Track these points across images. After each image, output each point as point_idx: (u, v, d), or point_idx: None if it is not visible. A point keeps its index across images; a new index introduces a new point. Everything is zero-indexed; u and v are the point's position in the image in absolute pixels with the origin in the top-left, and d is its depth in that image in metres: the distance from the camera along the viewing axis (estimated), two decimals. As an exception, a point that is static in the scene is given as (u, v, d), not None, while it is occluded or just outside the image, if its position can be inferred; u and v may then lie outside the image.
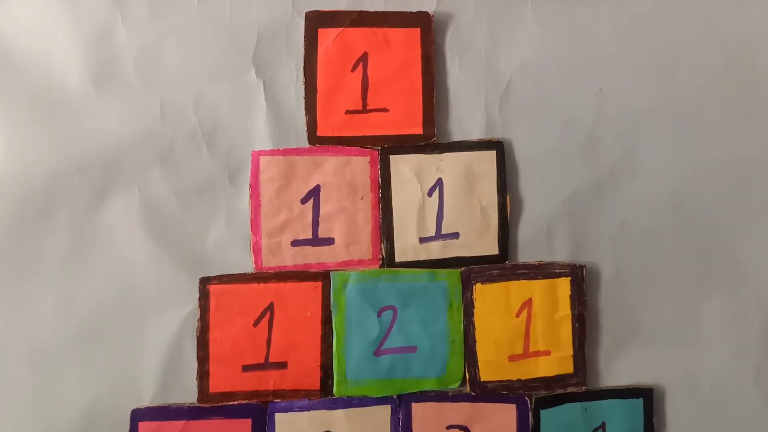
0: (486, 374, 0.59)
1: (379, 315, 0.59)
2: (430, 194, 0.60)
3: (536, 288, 0.59)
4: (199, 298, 0.58)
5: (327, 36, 0.60)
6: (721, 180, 0.61)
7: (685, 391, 0.59)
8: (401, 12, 0.60)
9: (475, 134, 0.60)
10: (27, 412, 0.57)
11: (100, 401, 0.57)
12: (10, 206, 0.58)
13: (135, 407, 0.57)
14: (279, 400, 0.58)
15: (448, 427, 0.59)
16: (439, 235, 0.59)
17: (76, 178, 0.58)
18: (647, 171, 0.61)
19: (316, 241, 0.59)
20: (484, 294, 0.59)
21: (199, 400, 0.58)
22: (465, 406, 0.59)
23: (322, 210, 0.59)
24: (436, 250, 0.59)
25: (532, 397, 0.59)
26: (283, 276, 0.59)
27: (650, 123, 0.61)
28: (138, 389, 0.58)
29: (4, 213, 0.58)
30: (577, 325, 0.59)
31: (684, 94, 0.61)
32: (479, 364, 0.59)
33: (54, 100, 0.58)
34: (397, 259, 0.59)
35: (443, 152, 0.60)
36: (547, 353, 0.59)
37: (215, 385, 0.58)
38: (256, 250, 0.59)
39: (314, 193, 0.60)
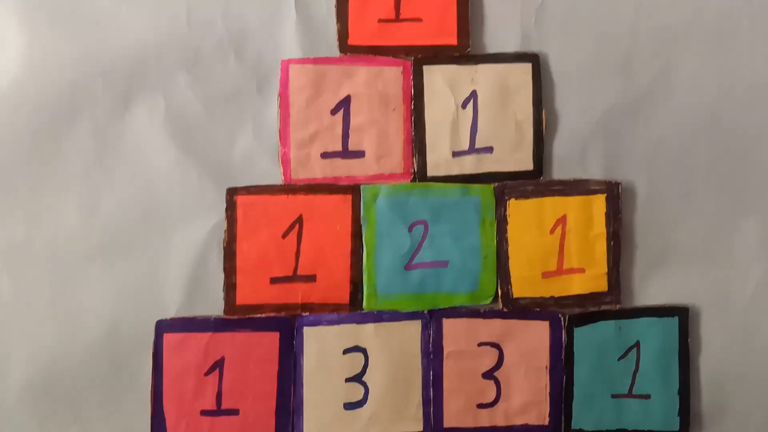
0: (519, 291, 0.58)
1: (410, 229, 0.58)
2: (464, 106, 0.58)
3: (571, 205, 0.58)
4: (226, 209, 0.56)
5: (360, -58, 0.58)
6: (758, 98, 0.59)
7: (718, 311, 0.58)
8: None
9: (510, 47, 0.59)
10: (48, 321, 0.56)
11: (124, 312, 0.56)
12: (33, 111, 0.56)
13: (159, 318, 0.56)
14: (307, 314, 0.57)
15: (479, 344, 0.58)
16: (472, 149, 0.58)
17: (100, 84, 0.56)
18: (683, 88, 0.59)
19: (346, 153, 0.58)
20: (518, 210, 0.58)
21: (225, 312, 0.56)
22: (497, 323, 0.58)
23: (353, 121, 0.58)
24: (469, 165, 0.58)
25: (565, 315, 0.58)
26: (312, 188, 0.57)
27: (687, 40, 0.59)
28: (163, 300, 0.56)
29: (28, 117, 0.56)
30: (611, 243, 0.58)
31: (721, 11, 0.59)
32: (512, 280, 0.57)
33: (78, 2, 0.57)
34: (429, 173, 0.58)
35: (478, 64, 0.58)
36: (581, 271, 0.58)
37: (242, 297, 0.57)
38: (285, 162, 0.57)
39: (344, 104, 0.58)
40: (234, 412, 0.56)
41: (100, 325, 0.56)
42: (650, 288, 0.59)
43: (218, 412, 0.56)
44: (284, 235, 0.57)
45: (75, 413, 0.56)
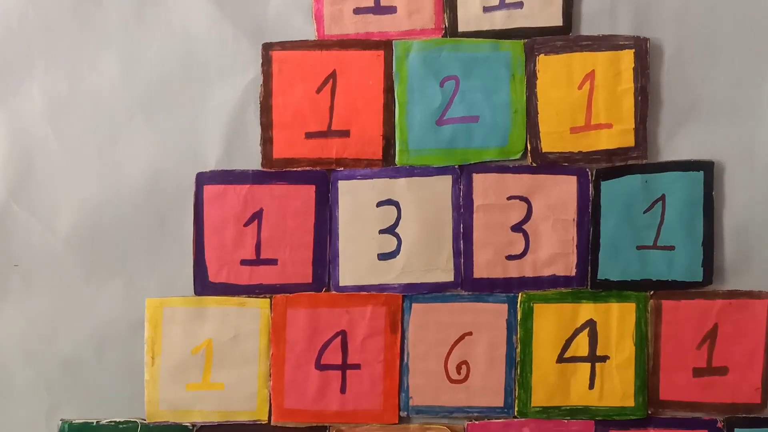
0: (547, 145, 0.59)
1: (441, 85, 0.59)
2: (494, -38, 0.59)
3: (599, 60, 0.58)
4: (262, 64, 0.58)
5: None
6: (788, -45, 0.60)
7: (743, 165, 0.59)
8: None
9: None
10: (92, 174, 0.59)
11: (165, 165, 0.58)
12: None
13: (200, 171, 0.58)
14: (341, 168, 0.59)
15: (508, 198, 0.59)
16: (503, 4, 0.58)
17: (136, -59, 0.58)
18: (712, -54, 0.60)
19: (378, 9, 0.58)
20: (547, 65, 0.59)
21: (263, 165, 0.58)
22: (526, 178, 0.59)
23: (385, -22, 0.59)
24: (499, 20, 0.58)
25: (592, 169, 0.59)
26: (345, 44, 0.58)
27: None
28: (202, 154, 0.58)
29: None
30: (639, 98, 0.59)
31: None
32: (541, 134, 0.59)
33: None
34: (460, 28, 0.58)
35: None
36: (609, 126, 0.59)
37: (279, 151, 0.58)
38: (318, 18, 0.58)
39: (376, -39, 0.59)
40: (273, 261, 0.59)
41: (143, 177, 0.58)
42: (676, 143, 0.60)
43: (257, 261, 0.59)
44: (318, 91, 0.58)
45: (119, 264, 0.59)
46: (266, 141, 0.58)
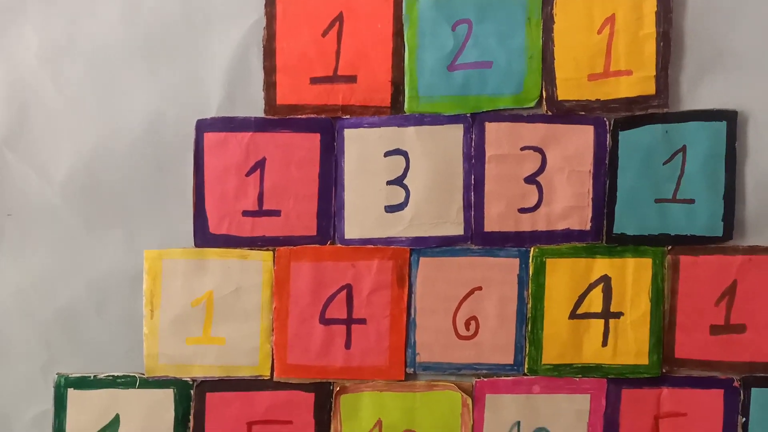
0: (564, 93, 0.56)
1: (453, 28, 0.56)
2: None
3: (620, 3, 0.56)
4: (265, 5, 0.55)
5: None
6: None
7: (765, 114, 0.57)
8: None
9: None
10: (91, 121, 0.57)
11: (165, 111, 0.56)
12: None
13: (201, 118, 0.56)
14: (348, 116, 0.57)
15: (522, 148, 0.57)
16: (519, -57, 0.56)
17: None
18: None
19: (387, -53, 0.56)
20: (565, 8, 0.56)
21: (265, 112, 0.56)
22: (540, 127, 0.57)
23: None
24: (515, -40, 0.56)
25: (610, 119, 0.57)
26: (352, -16, 0.56)
27: None
28: (204, 99, 0.56)
29: None
30: (661, 44, 0.56)
31: None
32: (557, 82, 0.56)
33: None
34: (474, -31, 0.56)
35: None
36: (629, 73, 0.56)
37: (282, 97, 0.56)
38: (324, -43, 0.56)
39: None
40: (276, 213, 0.57)
41: (142, 124, 0.57)
42: (699, 92, 0.57)
43: (260, 212, 0.57)
44: (324, 34, 0.56)
45: (117, 214, 0.57)
46: (269, 86, 0.56)
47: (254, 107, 0.56)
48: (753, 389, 0.58)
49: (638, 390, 0.58)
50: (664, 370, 0.58)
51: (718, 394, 0.58)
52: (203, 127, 0.56)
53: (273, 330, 0.57)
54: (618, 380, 0.58)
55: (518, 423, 0.58)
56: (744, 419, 0.58)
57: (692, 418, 0.58)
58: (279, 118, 0.56)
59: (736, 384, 0.57)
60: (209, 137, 0.56)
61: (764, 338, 0.57)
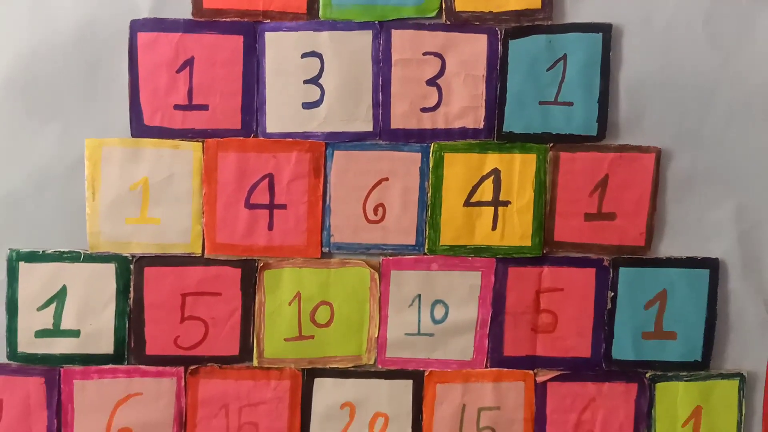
0: (461, 5, 0.63)
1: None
2: None
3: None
4: None
5: None
6: None
7: (639, 30, 0.64)
8: None
9: None
10: (23, 23, 0.61)
11: (98, 12, 0.61)
12: None
13: (133, 19, 0.62)
14: (268, 21, 0.63)
15: (423, 54, 0.64)
16: None
17: None
18: None
19: None
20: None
21: (193, 14, 0.62)
22: (440, 35, 0.64)
23: None
24: None
25: (502, 29, 0.64)
26: None
27: None
28: (134, 2, 0.61)
29: None
30: (547, -37, 0.64)
31: None
32: (455, -6, 0.64)
33: None
34: None
35: None
36: None
37: (209, 2, 0.62)
38: None
39: None
40: (204, 107, 0.63)
41: (77, 26, 0.62)
42: (579, 7, 0.64)
43: (189, 106, 0.63)
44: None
45: (56, 108, 0.63)
46: (195, -7, 0.62)
47: (183, 10, 0.62)
48: (621, 268, 0.67)
49: (522, 268, 0.67)
50: (544, 251, 0.66)
51: (590, 272, 0.67)
52: (136, 27, 0.62)
53: (203, 213, 0.64)
54: (505, 259, 0.66)
55: (419, 296, 0.66)
56: (612, 294, 0.67)
57: (568, 292, 0.67)
58: (206, 21, 0.62)
59: (606, 263, 0.67)
60: (142, 37, 0.62)
61: (630, 224, 0.66)
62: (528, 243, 0.66)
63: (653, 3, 0.64)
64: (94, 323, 0.64)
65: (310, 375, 0.66)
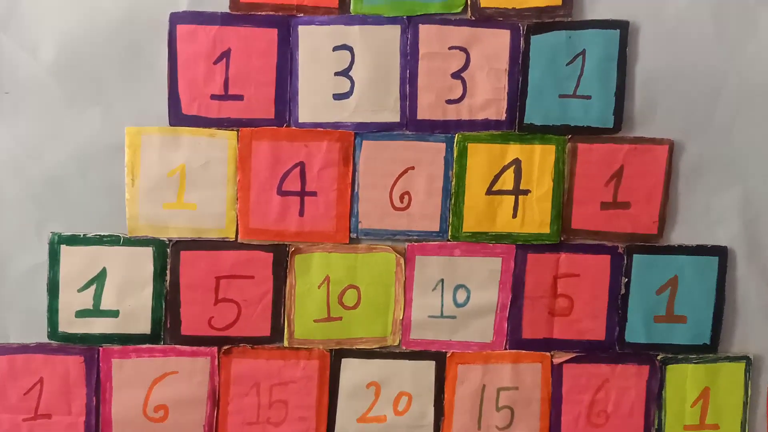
0: (485, 1, 0.66)
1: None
2: None
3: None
4: None
5: None
6: None
7: (653, 26, 0.67)
8: None
9: None
10: (67, 12, 0.64)
11: (139, 5, 0.64)
12: None
13: (173, 11, 0.64)
14: (302, 15, 0.65)
15: (449, 48, 0.67)
16: None
17: None
18: None
19: None
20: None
21: (230, 8, 0.65)
22: (465, 30, 0.67)
23: None
24: None
25: (524, 25, 0.67)
26: None
27: None
28: (176, -5, 0.65)
29: None
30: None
31: None
32: None
33: None
34: None
35: None
36: (540, 2, 0.67)
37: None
38: None
39: None
40: (239, 97, 0.66)
41: (120, 16, 0.64)
42: (598, 4, 0.67)
43: (225, 96, 0.66)
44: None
45: (98, 93, 0.65)
46: (234, 7, 0.65)
47: (221, 3, 0.64)
48: (634, 255, 0.70)
49: (541, 254, 0.69)
50: (562, 238, 0.69)
51: (605, 258, 0.70)
52: (176, 19, 0.64)
53: (237, 199, 0.67)
54: (524, 246, 0.69)
55: (442, 280, 0.69)
56: (626, 279, 0.70)
57: (584, 277, 0.70)
58: (242, 14, 0.65)
59: (620, 251, 0.70)
60: (181, 29, 0.64)
61: (644, 213, 0.69)
62: (546, 230, 0.69)
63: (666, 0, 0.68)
64: (132, 304, 0.66)
65: (337, 355, 0.69)
